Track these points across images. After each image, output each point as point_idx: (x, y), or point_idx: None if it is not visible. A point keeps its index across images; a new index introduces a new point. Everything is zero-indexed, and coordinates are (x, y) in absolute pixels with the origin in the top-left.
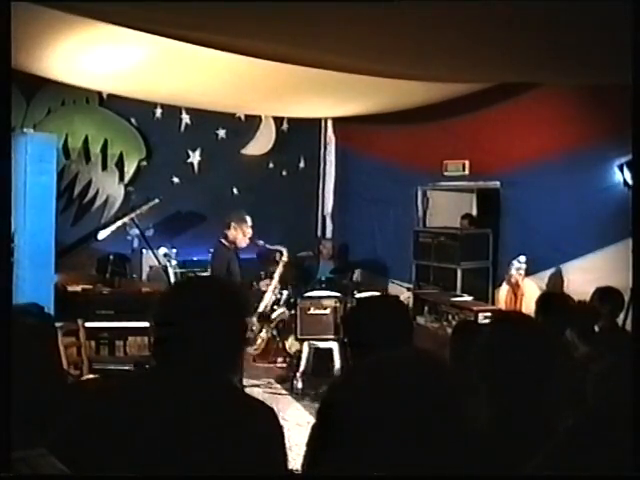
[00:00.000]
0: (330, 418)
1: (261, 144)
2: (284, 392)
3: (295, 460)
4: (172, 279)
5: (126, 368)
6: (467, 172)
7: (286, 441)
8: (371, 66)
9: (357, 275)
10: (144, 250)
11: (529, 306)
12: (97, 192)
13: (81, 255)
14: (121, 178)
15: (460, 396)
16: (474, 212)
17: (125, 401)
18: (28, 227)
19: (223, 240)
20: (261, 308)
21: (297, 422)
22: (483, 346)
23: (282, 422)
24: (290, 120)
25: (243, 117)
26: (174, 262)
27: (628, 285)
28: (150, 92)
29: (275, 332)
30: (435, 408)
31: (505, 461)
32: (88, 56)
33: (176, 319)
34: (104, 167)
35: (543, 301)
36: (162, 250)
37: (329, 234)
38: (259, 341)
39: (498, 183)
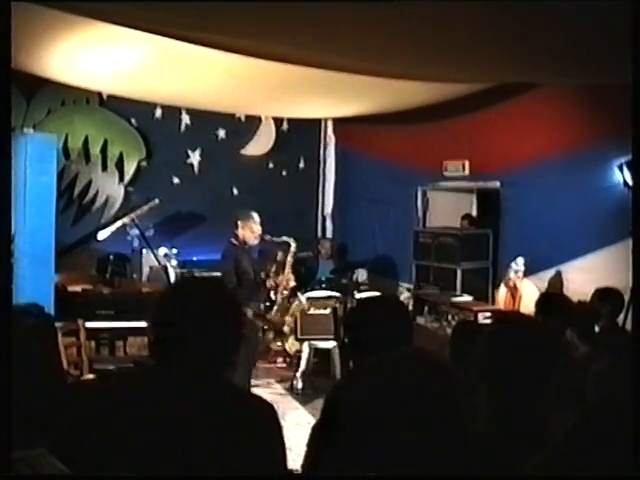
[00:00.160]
0: (333, 418)
1: (261, 144)
2: (284, 392)
3: (295, 460)
4: (172, 279)
5: (126, 367)
6: (467, 172)
7: (285, 438)
8: (371, 66)
9: (357, 275)
10: (144, 250)
11: (527, 306)
12: (97, 192)
13: (81, 255)
14: (121, 178)
15: (460, 396)
16: (474, 212)
17: (125, 401)
18: (28, 227)
19: (233, 240)
20: (279, 300)
21: (297, 422)
22: (483, 346)
23: (282, 422)
24: (290, 120)
25: (243, 117)
26: (174, 262)
27: (628, 285)
28: (150, 92)
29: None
30: (435, 408)
31: (505, 461)
32: (88, 56)
33: (172, 319)
34: (104, 167)
35: (543, 301)
36: (162, 250)
37: (329, 234)
38: (286, 329)
39: (498, 183)
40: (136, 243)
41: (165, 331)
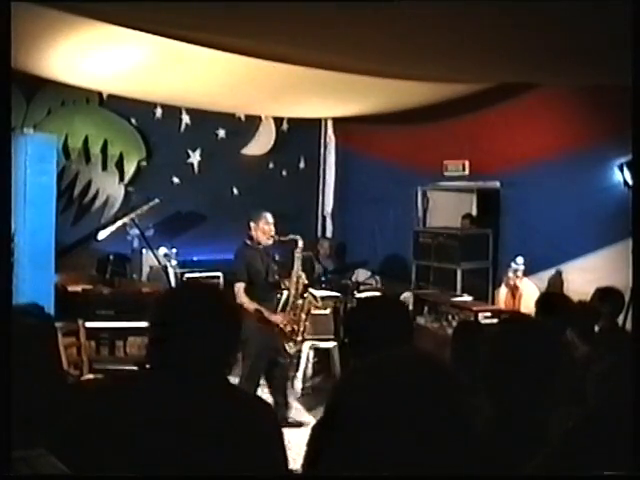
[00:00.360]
0: (333, 418)
1: (261, 144)
2: None
3: (295, 460)
4: (172, 279)
5: (126, 368)
6: (467, 172)
7: (284, 437)
8: (371, 66)
9: (357, 275)
10: (144, 250)
11: (528, 306)
12: (97, 192)
13: (81, 255)
14: (121, 178)
15: (460, 396)
16: (474, 212)
17: (125, 401)
18: (28, 227)
19: (247, 240)
20: (291, 299)
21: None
22: (484, 346)
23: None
24: (290, 120)
25: (243, 117)
26: (174, 262)
27: (628, 285)
28: (150, 92)
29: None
30: (435, 408)
31: (505, 461)
32: (88, 56)
33: (170, 321)
34: (104, 167)
35: (543, 301)
36: (162, 250)
37: (329, 234)
38: (303, 317)
39: (498, 183)
40: (136, 243)
41: (165, 333)
